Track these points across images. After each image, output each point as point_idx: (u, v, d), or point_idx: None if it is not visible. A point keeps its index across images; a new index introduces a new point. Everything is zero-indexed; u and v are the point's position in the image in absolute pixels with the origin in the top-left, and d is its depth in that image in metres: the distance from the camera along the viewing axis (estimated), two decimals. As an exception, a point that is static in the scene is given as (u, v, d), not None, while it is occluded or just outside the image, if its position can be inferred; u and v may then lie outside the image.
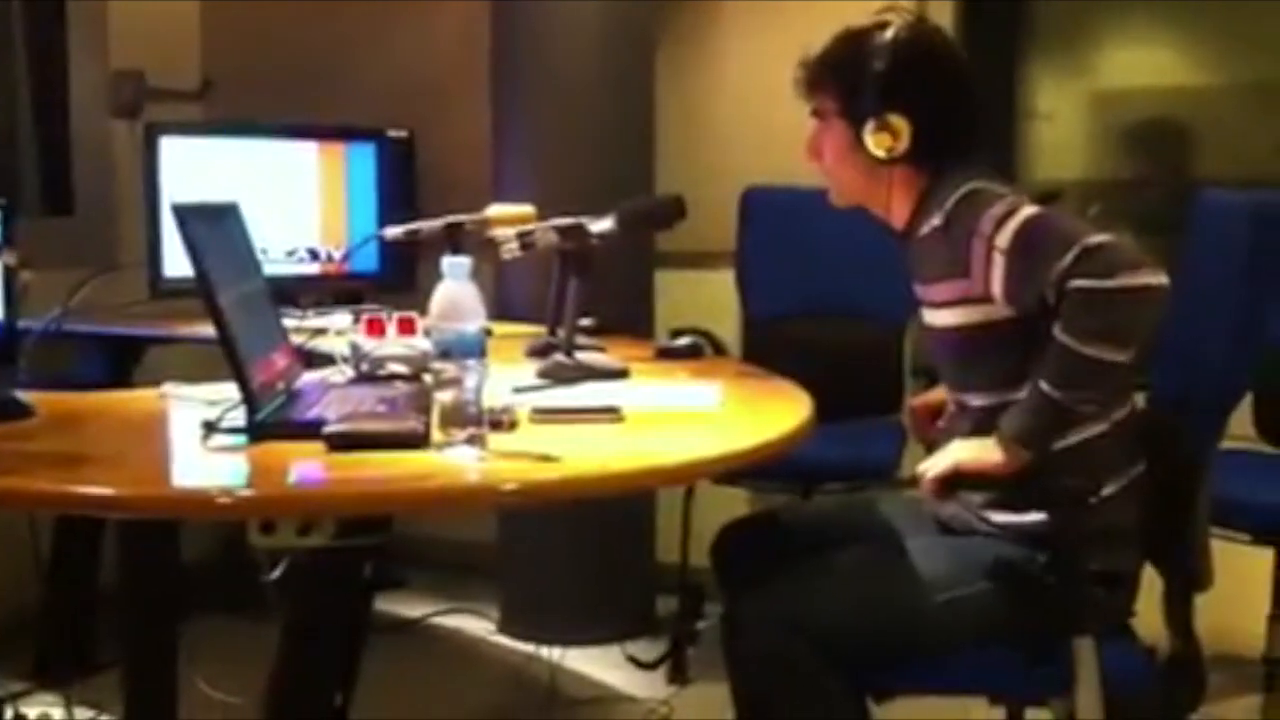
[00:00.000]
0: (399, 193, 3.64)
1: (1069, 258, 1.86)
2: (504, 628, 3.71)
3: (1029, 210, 1.96)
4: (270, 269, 3.48)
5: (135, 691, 2.11)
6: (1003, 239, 1.94)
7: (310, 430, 1.69)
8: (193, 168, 3.43)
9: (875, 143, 2.07)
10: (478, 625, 3.75)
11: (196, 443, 1.74)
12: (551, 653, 3.46)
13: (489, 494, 1.60)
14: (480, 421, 1.65)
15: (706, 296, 3.68)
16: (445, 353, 1.65)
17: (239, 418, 1.75)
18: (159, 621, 2.10)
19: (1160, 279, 1.86)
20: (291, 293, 3.37)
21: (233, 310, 1.80)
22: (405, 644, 3.62)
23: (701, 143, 3.90)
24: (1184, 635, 2.09)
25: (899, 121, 2.05)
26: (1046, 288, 1.89)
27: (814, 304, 3.54)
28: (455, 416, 1.63)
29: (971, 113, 2.12)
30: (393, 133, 3.68)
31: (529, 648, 3.54)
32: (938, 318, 2.11)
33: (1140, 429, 2.09)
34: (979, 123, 2.12)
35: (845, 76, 2.09)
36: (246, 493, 1.55)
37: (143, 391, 2.13)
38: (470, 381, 1.62)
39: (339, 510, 1.53)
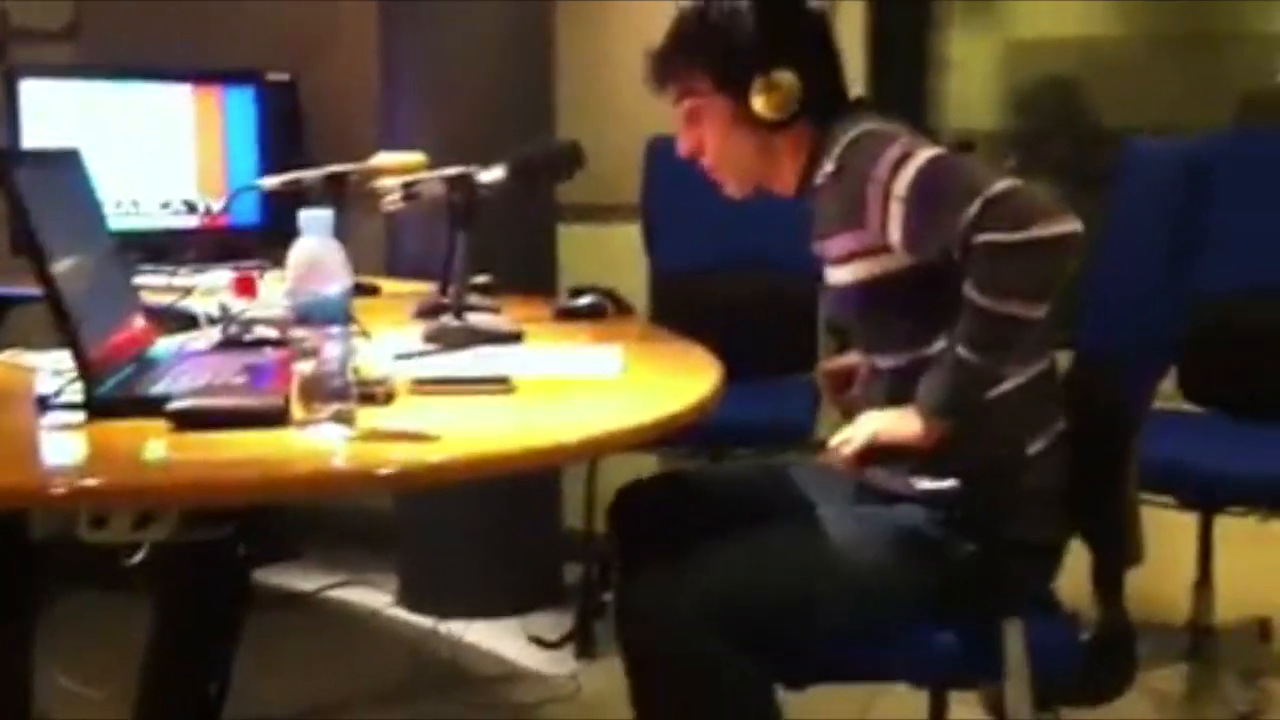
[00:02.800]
0: (282, 140, 3.48)
1: (973, 209, 1.74)
2: (402, 600, 3.54)
3: (927, 153, 1.83)
4: (143, 222, 3.33)
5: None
6: (900, 186, 1.81)
7: (153, 406, 1.50)
8: (57, 113, 3.23)
9: (766, 104, 1.93)
10: (375, 598, 3.58)
11: (31, 419, 1.54)
12: (452, 627, 3.31)
13: (352, 480, 1.41)
14: (346, 395, 1.47)
15: (611, 251, 3.54)
16: (305, 318, 1.46)
17: (79, 391, 1.56)
18: (6, 617, 1.89)
19: (1073, 225, 1.74)
20: (167, 247, 3.18)
21: (71, 271, 1.60)
22: (298, 618, 3.45)
23: (605, 89, 3.71)
24: (1114, 610, 1.97)
25: (785, 77, 1.92)
26: (951, 240, 1.77)
27: (724, 258, 3.43)
28: (317, 390, 1.45)
29: (839, 55, 2.01)
30: (273, 75, 3.51)
31: (429, 622, 3.38)
32: (837, 275, 1.98)
33: (1066, 388, 1.97)
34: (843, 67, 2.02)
35: (713, 47, 1.96)
36: (63, 482, 1.34)
37: (-23, 360, 1.92)
38: (332, 351, 1.43)
39: (180, 501, 1.34)
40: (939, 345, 1.85)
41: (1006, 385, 1.85)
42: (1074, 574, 1.98)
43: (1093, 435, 1.94)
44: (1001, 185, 1.74)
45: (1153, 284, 1.94)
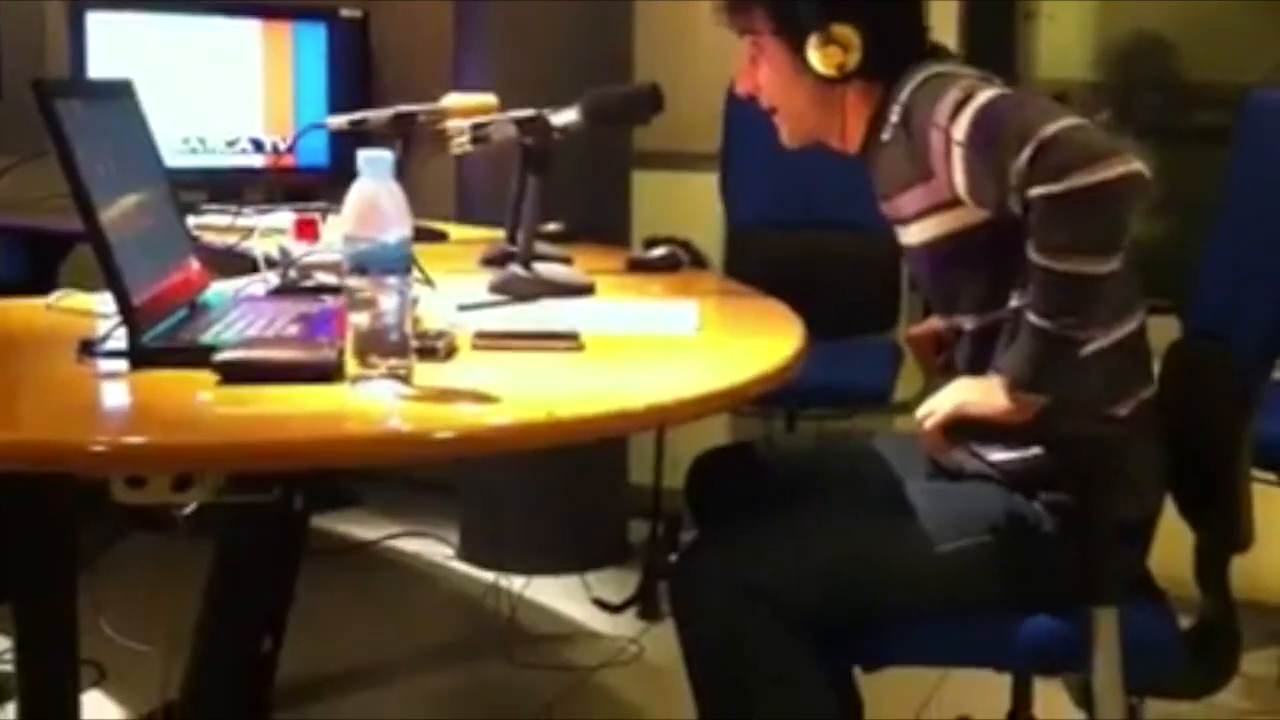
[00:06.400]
0: (352, 79, 3.39)
1: (1025, 154, 1.62)
2: (463, 554, 3.47)
3: (988, 94, 1.71)
4: (209, 160, 3.26)
5: (26, 649, 1.84)
6: (959, 130, 1.70)
7: (200, 356, 1.41)
8: (123, 47, 3.17)
9: (823, 60, 1.82)
10: (435, 550, 3.52)
11: (71, 368, 1.45)
12: (513, 583, 3.23)
13: (406, 444, 1.31)
14: (404, 351, 1.37)
15: (687, 201, 3.44)
16: (360, 267, 1.36)
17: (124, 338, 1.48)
18: (49, 568, 1.83)
19: (1130, 166, 1.61)
20: (233, 187, 3.10)
21: (119, 210, 1.52)
22: (355, 569, 3.41)
23: (686, 30, 3.59)
24: (1219, 597, 1.85)
25: (846, 31, 1.81)
26: (1010, 192, 1.66)
27: (803, 212, 3.30)
28: (371, 345, 1.35)
29: (919, 9, 1.90)
30: (345, 11, 3.40)
31: (489, 576, 3.30)
32: (911, 234, 1.87)
33: (1173, 363, 1.86)
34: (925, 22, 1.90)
35: None
36: (103, 440, 1.26)
37: (24, 301, 1.84)
38: (389, 303, 1.33)
39: (219, 464, 1.25)
40: (1014, 304, 1.74)
41: (1090, 348, 1.73)
42: (1175, 554, 1.87)
43: (1203, 416, 1.82)
44: (1054, 127, 1.62)
45: (1276, 252, 1.80)
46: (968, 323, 1.83)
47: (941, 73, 1.80)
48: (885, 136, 1.84)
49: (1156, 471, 1.82)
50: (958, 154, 1.71)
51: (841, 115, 1.89)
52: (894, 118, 1.82)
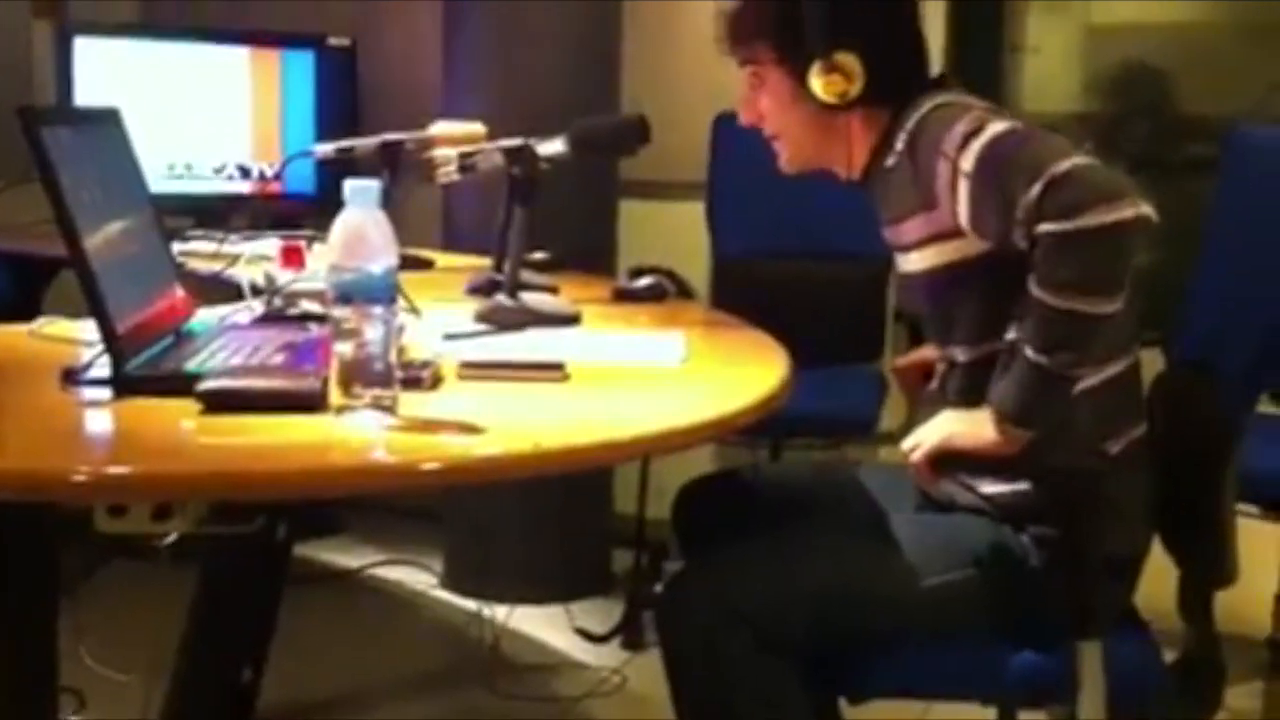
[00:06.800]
0: (339, 107, 3.39)
1: (1035, 190, 1.61)
2: (447, 582, 3.45)
3: (998, 126, 1.70)
4: (196, 186, 3.26)
5: (5, 677, 1.82)
6: (967, 161, 1.69)
7: (183, 385, 1.40)
8: (111, 73, 3.16)
9: (825, 88, 1.82)
10: (419, 578, 3.49)
11: (54, 396, 1.44)
12: (496, 612, 3.21)
13: (391, 474, 1.30)
14: (389, 381, 1.36)
15: (673, 230, 3.44)
16: (346, 297, 1.36)
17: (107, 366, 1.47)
18: (30, 595, 1.81)
19: (1139, 209, 1.59)
20: (219, 213, 3.10)
21: (103, 236, 1.51)
22: (338, 597, 3.39)
23: (673, 61, 3.61)
24: (1204, 630, 1.84)
25: (848, 59, 1.81)
26: (1015, 226, 1.64)
27: (790, 242, 3.31)
28: (356, 374, 1.34)
29: (922, 36, 1.90)
30: (333, 40, 3.41)
31: (472, 605, 3.28)
32: (910, 262, 1.86)
33: (1157, 394, 1.85)
34: (926, 49, 1.91)
35: (778, 18, 1.85)
36: (85, 470, 1.25)
37: (7, 327, 1.83)
38: (374, 333, 1.33)
39: (201, 494, 1.24)
40: (1010, 335, 1.74)
41: (1082, 385, 1.72)
42: (1159, 587, 1.86)
43: (1187, 448, 1.81)
44: (1067, 164, 1.61)
45: (1260, 280, 1.80)
46: (961, 354, 1.83)
47: (950, 102, 1.79)
48: (889, 163, 1.84)
49: (1145, 508, 1.81)
50: (964, 185, 1.70)
51: (845, 142, 1.88)
52: (899, 144, 1.81)
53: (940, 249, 1.80)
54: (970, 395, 1.79)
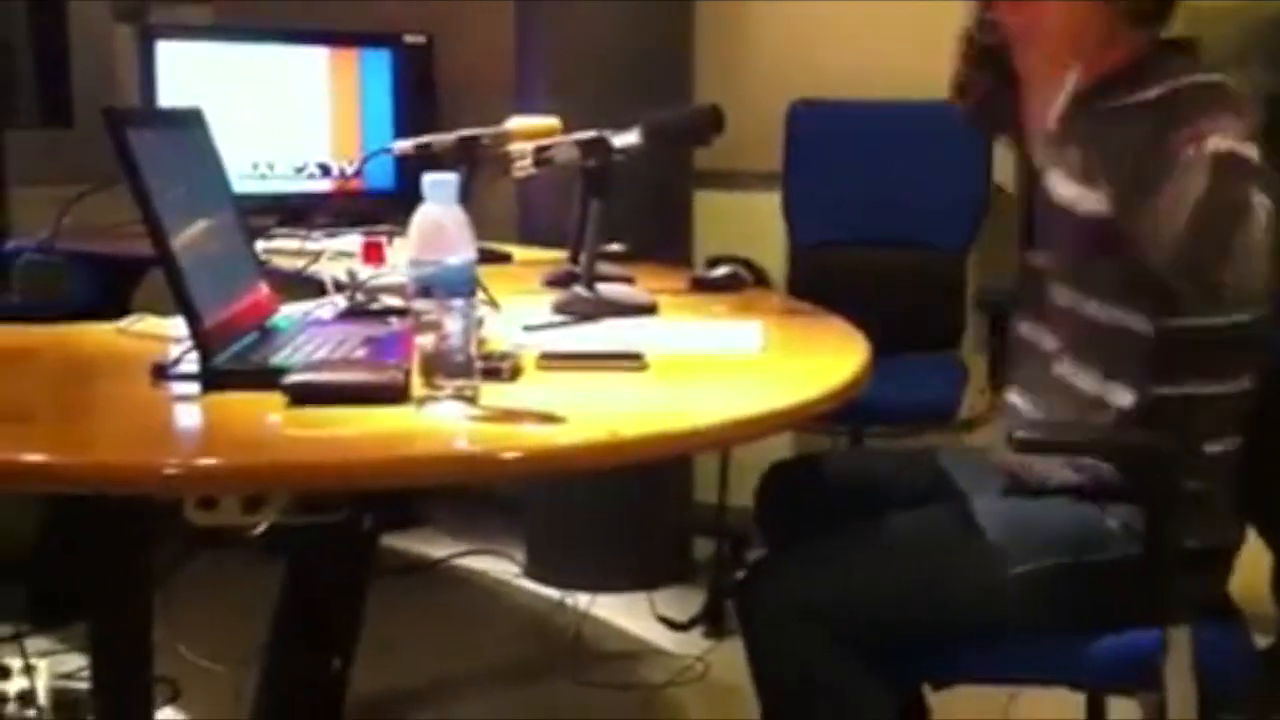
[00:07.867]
0: (417, 104, 3.43)
1: (1176, 276, 1.62)
2: (529, 571, 3.48)
3: (1221, 145, 1.58)
4: (277, 185, 3.31)
5: (101, 667, 1.87)
6: (1200, 176, 1.58)
7: (269, 379, 1.43)
8: (194, 75, 3.21)
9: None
10: (502, 568, 3.53)
11: (145, 391, 1.48)
12: (579, 600, 3.24)
13: (473, 464, 1.32)
14: (469, 372, 1.38)
15: (749, 220, 3.44)
16: (426, 290, 1.38)
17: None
18: (125, 587, 1.86)
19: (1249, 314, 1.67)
20: (301, 211, 3.14)
21: (189, 236, 1.54)
22: (423, 587, 3.42)
23: (747, 50, 3.60)
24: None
25: None
26: (1165, 262, 1.62)
27: (866, 230, 3.30)
28: (437, 366, 1.36)
29: None
30: (410, 38, 3.44)
31: (555, 594, 3.31)
32: (1071, 190, 1.75)
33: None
34: None
35: None
36: (176, 463, 1.28)
37: (98, 325, 1.87)
38: (454, 325, 1.35)
39: (286, 484, 1.27)
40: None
41: (1203, 389, 1.74)
42: (1253, 573, 1.85)
43: None
44: (1229, 275, 1.58)
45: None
46: (1096, 308, 1.77)
47: (1230, 91, 1.68)
48: (1130, 100, 1.71)
49: (1235, 502, 1.78)
50: (1177, 182, 1.59)
51: (1101, 50, 1.76)
52: (1152, 93, 1.70)
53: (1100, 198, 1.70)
54: (1081, 354, 1.78)
